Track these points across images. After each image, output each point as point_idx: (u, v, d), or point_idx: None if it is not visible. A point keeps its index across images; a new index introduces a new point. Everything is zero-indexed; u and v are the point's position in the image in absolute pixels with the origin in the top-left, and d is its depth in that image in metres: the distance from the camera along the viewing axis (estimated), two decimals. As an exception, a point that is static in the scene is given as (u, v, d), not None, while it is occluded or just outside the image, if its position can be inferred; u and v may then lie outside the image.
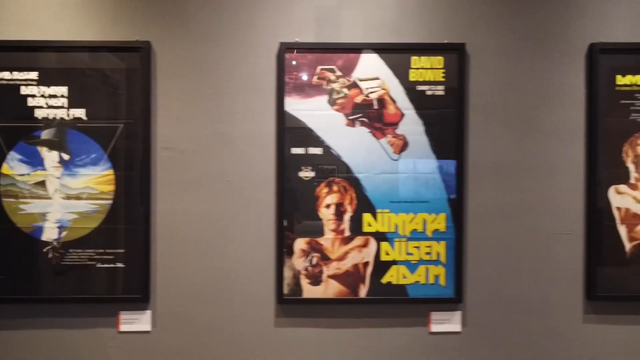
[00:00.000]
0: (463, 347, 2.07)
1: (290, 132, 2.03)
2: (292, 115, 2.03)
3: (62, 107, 2.00)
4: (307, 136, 2.03)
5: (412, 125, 2.04)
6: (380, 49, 2.03)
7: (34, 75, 1.99)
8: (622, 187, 2.07)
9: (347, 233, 2.04)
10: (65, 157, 2.00)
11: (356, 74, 2.03)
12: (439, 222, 2.05)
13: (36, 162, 2.00)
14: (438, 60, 2.04)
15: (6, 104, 1.99)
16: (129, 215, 2.02)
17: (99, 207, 2.01)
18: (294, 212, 2.03)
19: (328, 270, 2.04)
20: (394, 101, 2.04)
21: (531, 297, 2.08)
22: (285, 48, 2.01)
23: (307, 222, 2.03)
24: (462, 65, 2.03)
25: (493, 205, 2.07)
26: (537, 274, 2.08)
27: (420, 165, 2.04)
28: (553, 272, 2.08)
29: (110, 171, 2.01)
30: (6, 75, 1.99)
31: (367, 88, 2.04)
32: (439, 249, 2.05)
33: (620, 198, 2.07)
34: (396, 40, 2.05)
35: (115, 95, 2.01)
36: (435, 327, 2.07)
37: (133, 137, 2.01)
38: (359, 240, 2.05)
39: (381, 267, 2.05)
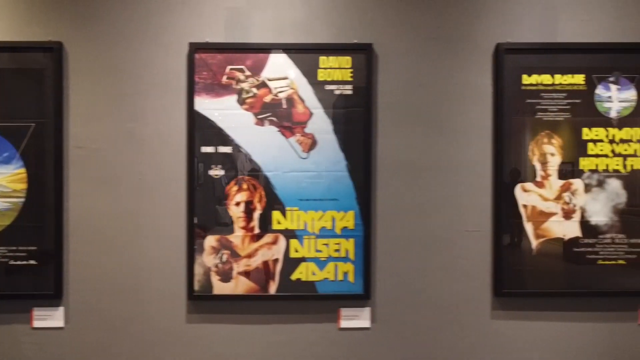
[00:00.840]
0: (372, 342, 2.11)
1: (201, 131, 2.06)
2: (202, 115, 2.06)
3: (-26, 106, 2.03)
4: (217, 135, 2.06)
5: (320, 124, 2.07)
6: (289, 49, 2.06)
7: (-54, 75, 2.02)
8: (529, 185, 2.10)
9: (256, 230, 2.07)
10: (-22, 155, 2.03)
11: (265, 74, 2.06)
12: (348, 219, 2.08)
13: (-51, 160, 2.03)
14: (346, 60, 2.07)
15: None
16: (42, 213, 2.05)
17: (11, 205, 2.04)
18: (204, 209, 2.06)
19: (238, 267, 2.07)
20: (302, 100, 2.07)
21: (440, 294, 2.11)
22: (195, 48, 2.05)
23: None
24: (369, 65, 2.06)
25: (401, 203, 2.10)
26: (445, 270, 2.11)
27: (329, 163, 2.07)
28: (461, 268, 2.11)
29: (23, 170, 2.04)
30: None
31: (276, 87, 2.07)
32: (348, 246, 2.08)
33: (526, 196, 2.10)
34: (305, 41, 2.08)
35: (28, 95, 2.04)
36: (344, 323, 2.10)
37: (46, 136, 2.05)
38: (268, 238, 2.08)
39: (290, 264, 2.08)
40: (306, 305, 2.09)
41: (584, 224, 2.10)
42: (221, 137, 2.06)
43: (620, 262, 2.10)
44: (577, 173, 2.10)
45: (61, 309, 2.07)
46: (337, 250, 2.08)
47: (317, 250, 2.08)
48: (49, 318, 2.07)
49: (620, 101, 2.09)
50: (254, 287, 2.07)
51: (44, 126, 2.04)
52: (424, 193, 2.10)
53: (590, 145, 2.10)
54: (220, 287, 2.07)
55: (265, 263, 2.08)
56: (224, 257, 2.07)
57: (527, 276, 2.10)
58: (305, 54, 2.07)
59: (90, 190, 2.07)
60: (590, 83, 2.09)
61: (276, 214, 2.07)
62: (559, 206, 2.10)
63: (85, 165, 2.07)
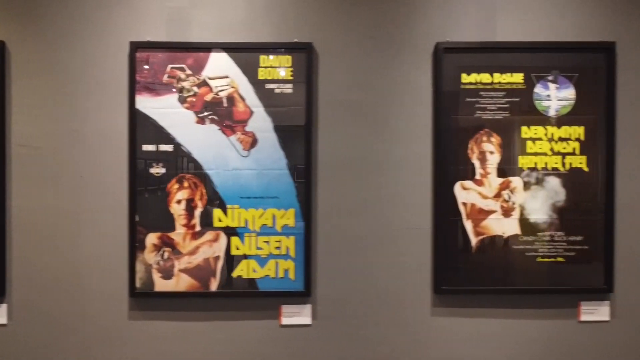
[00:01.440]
0: (313, 339, 2.12)
1: (142, 129, 2.07)
2: (143, 113, 2.07)
3: None
4: (158, 133, 2.08)
5: (261, 123, 2.09)
6: (230, 48, 2.08)
7: None
8: (468, 183, 2.12)
9: (197, 228, 2.09)
10: None
11: (206, 73, 2.08)
12: (288, 217, 2.10)
13: None
14: (286, 59, 2.09)
15: None
16: (-16, 211, 2.06)
17: (-47, 203, 2.06)
18: (145, 207, 2.08)
19: (179, 264, 2.09)
20: (243, 99, 2.08)
21: (380, 291, 2.12)
22: (136, 47, 2.06)
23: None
24: (309, 64, 2.08)
25: (342, 201, 2.12)
26: (386, 268, 2.12)
27: (270, 161, 2.09)
28: (401, 266, 2.13)
29: (-35, 168, 2.06)
30: None
31: (217, 86, 2.08)
32: (289, 243, 2.10)
33: (466, 194, 2.12)
34: (246, 40, 2.09)
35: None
36: (285, 320, 2.12)
37: (-12, 135, 2.06)
38: (209, 235, 2.09)
39: (232, 261, 2.09)
40: (247, 302, 2.11)
41: (523, 221, 2.12)
42: (162, 136, 2.08)
43: (560, 259, 2.12)
44: (516, 171, 2.11)
45: (4, 306, 2.08)
46: (277, 248, 2.10)
47: (258, 248, 2.10)
48: (-9, 315, 2.09)
49: (559, 100, 2.11)
50: (195, 285, 2.09)
51: (-14, 125, 2.06)
52: (364, 191, 2.12)
53: (529, 143, 2.11)
54: (161, 284, 2.08)
55: (207, 260, 2.09)
56: (166, 255, 2.08)
57: (466, 273, 2.11)
58: (245, 53, 2.08)
59: (32, 188, 2.08)
60: (529, 82, 2.11)
61: (217, 212, 2.09)
62: (498, 204, 2.11)
63: (27, 163, 2.08)
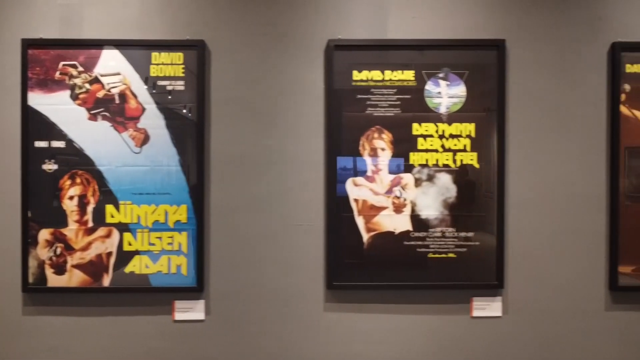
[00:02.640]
0: (206, 335, 2.14)
1: (34, 126, 2.08)
2: (36, 110, 2.08)
3: None
4: (51, 130, 2.09)
5: (153, 119, 2.10)
6: (121, 45, 2.09)
7: None
8: (359, 180, 2.13)
9: (90, 224, 2.10)
10: None
11: (98, 70, 2.09)
12: (180, 213, 2.11)
13: None
14: (178, 56, 2.10)
15: None
16: None
17: None
18: (38, 203, 2.09)
19: (72, 260, 2.10)
20: (135, 96, 2.10)
21: (273, 287, 2.14)
22: (28, 44, 2.07)
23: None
24: (201, 61, 2.09)
25: (235, 197, 2.13)
26: (279, 263, 2.14)
27: (162, 158, 2.10)
28: (294, 262, 2.14)
29: None
30: None
31: (109, 83, 2.10)
32: (181, 239, 2.12)
33: (357, 190, 2.13)
34: (138, 37, 2.11)
35: None
36: (178, 316, 2.13)
37: None
38: (102, 231, 2.11)
39: (124, 257, 2.11)
40: (140, 297, 2.12)
41: (415, 217, 2.13)
42: (54, 132, 2.09)
43: (451, 255, 2.13)
44: (408, 168, 2.13)
45: None
46: (170, 244, 2.11)
47: (151, 244, 2.11)
48: None
49: (449, 97, 2.13)
50: (88, 280, 2.10)
51: None
52: (257, 187, 2.13)
53: (420, 140, 2.13)
54: (54, 280, 2.10)
55: (99, 256, 2.10)
56: (58, 250, 2.09)
57: (358, 269, 2.13)
58: (137, 50, 2.10)
59: None
60: (420, 79, 2.12)
61: (109, 208, 2.10)
62: (389, 200, 2.13)
63: None
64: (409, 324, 2.15)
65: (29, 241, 2.09)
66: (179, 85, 2.10)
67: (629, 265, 2.15)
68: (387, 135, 2.13)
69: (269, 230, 2.13)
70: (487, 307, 2.16)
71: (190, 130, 2.10)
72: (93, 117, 2.10)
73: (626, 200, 2.13)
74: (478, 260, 2.13)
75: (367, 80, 2.12)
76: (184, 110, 2.10)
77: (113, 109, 2.10)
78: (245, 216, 2.13)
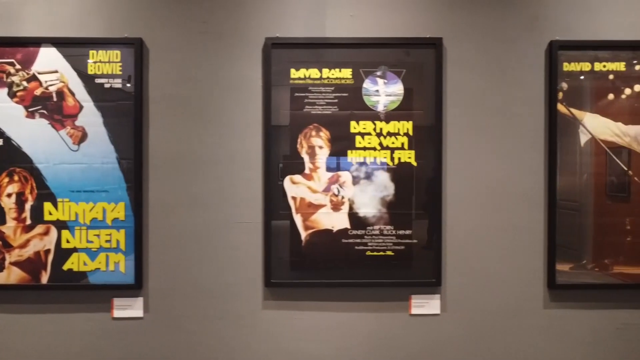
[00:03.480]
0: (145, 331, 2.14)
1: (-28, 123, 2.09)
2: (-27, 107, 2.09)
3: None
4: (-12, 127, 2.10)
5: (91, 117, 2.11)
6: (59, 42, 2.10)
7: None
8: (297, 177, 2.14)
9: (28, 221, 2.11)
10: None
11: (35, 67, 2.10)
12: (118, 210, 2.12)
13: None
14: (115, 54, 2.11)
15: None
16: None
17: None
18: (-24, 201, 2.10)
19: (10, 257, 2.10)
20: (72, 94, 2.10)
21: (212, 284, 2.14)
22: (-35, 42, 2.08)
23: None
24: (139, 59, 2.10)
25: (174, 195, 2.13)
26: (218, 261, 2.14)
27: (100, 155, 2.11)
28: (233, 259, 2.14)
29: None
30: None
31: (47, 81, 2.10)
32: (119, 237, 2.12)
33: (295, 188, 2.14)
34: (76, 35, 2.11)
35: None
36: (117, 313, 2.14)
37: None
38: (40, 229, 2.11)
39: (62, 254, 2.11)
40: (79, 295, 2.13)
41: (352, 215, 2.14)
42: (-8, 130, 2.10)
43: (389, 253, 2.14)
44: (346, 165, 2.13)
45: None
46: (108, 241, 2.12)
47: (89, 241, 2.12)
48: None
49: (387, 95, 2.13)
50: (26, 277, 2.11)
51: None
52: (196, 185, 2.14)
53: (358, 138, 2.13)
54: (-8, 277, 2.10)
55: (37, 253, 2.11)
56: (-4, 248, 2.10)
57: (297, 267, 2.13)
58: (75, 48, 2.10)
59: None
60: (358, 77, 2.13)
61: (47, 205, 2.10)
62: (327, 198, 2.13)
63: None
64: (347, 321, 2.16)
65: (-33, 238, 2.09)
66: (117, 83, 2.11)
67: (567, 263, 2.16)
68: (324, 133, 2.13)
69: (208, 228, 2.14)
70: (425, 305, 2.16)
71: (127, 127, 2.11)
72: (31, 115, 2.10)
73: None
74: (416, 258, 2.14)
75: (304, 79, 2.13)
76: (122, 108, 2.10)
77: (51, 107, 2.10)
78: (184, 214, 2.14)
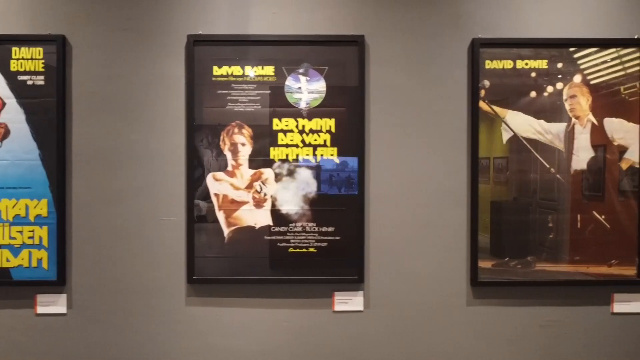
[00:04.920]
0: (69, 328, 2.15)
1: None
2: None
3: None
4: None
5: (13, 114, 2.11)
6: (-19, 40, 2.10)
7: None
8: (220, 174, 2.14)
9: (-49, 218, 2.11)
10: None
11: (-42, 64, 2.11)
12: (41, 207, 2.12)
13: None
14: (38, 51, 2.11)
15: None
16: None
17: None
18: None
19: None
20: (-5, 90, 2.11)
21: (136, 281, 2.15)
22: None
23: None
24: (62, 56, 2.10)
25: (98, 191, 2.14)
26: (141, 258, 2.15)
27: (22, 152, 2.11)
28: (157, 256, 2.15)
29: None
30: None
31: (-31, 78, 2.11)
32: (42, 233, 2.13)
33: (218, 185, 2.14)
34: (-1, 32, 2.12)
35: None
36: (41, 309, 2.15)
37: None
38: (-37, 225, 2.12)
39: (-15, 250, 2.12)
40: (2, 291, 2.14)
41: (275, 212, 2.14)
42: None
43: (312, 250, 2.15)
44: (268, 163, 2.14)
45: None
46: (30, 238, 2.12)
47: (12, 238, 2.12)
48: None
49: (309, 92, 2.14)
50: (-51, 274, 2.12)
51: None
52: (120, 182, 2.14)
53: (280, 135, 2.14)
54: None
55: (-40, 250, 2.12)
56: None
57: (220, 263, 2.14)
58: (-3, 45, 2.11)
59: None
60: (281, 74, 2.14)
61: (-30, 202, 2.11)
62: (250, 195, 2.14)
63: None
64: (270, 318, 2.16)
65: None
66: (39, 80, 2.11)
67: (490, 260, 2.16)
68: (247, 131, 2.14)
69: (131, 225, 2.15)
70: (348, 302, 2.17)
71: (51, 124, 2.11)
72: (-47, 112, 2.11)
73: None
74: (339, 254, 2.15)
75: (227, 76, 2.13)
76: (45, 105, 2.10)
77: (-27, 104, 2.11)
78: (108, 210, 2.14)
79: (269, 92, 2.14)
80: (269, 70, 2.13)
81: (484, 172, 2.15)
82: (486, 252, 2.15)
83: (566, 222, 2.16)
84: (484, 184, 2.15)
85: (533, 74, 2.15)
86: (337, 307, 2.17)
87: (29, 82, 2.11)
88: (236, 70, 2.13)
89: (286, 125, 2.14)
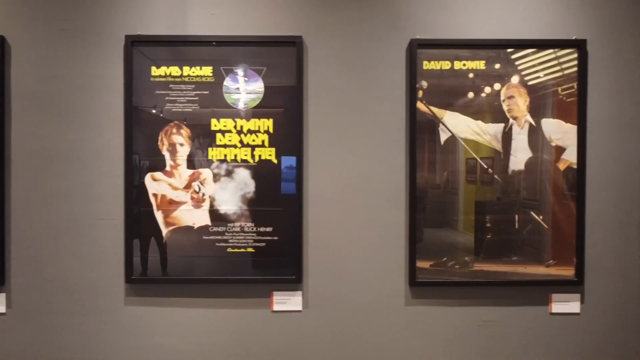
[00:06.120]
0: (8, 327, 2.15)
1: None
2: None
3: None
4: None
5: (-49, 114, 2.12)
6: None
7: None
8: (158, 175, 2.15)
9: None
10: None
11: None
12: (-20, 207, 2.13)
13: None
14: (-24, 51, 2.12)
15: None
16: None
17: None
18: None
19: None
20: None
21: (74, 281, 2.16)
22: None
23: None
24: (0, 56, 2.11)
25: (36, 191, 2.15)
26: (79, 258, 2.15)
27: (-39, 152, 2.12)
28: (96, 256, 2.16)
29: None
30: None
31: None
32: (-20, 233, 2.13)
33: (156, 185, 2.15)
34: (-62, 32, 2.12)
35: None
36: (-22, 309, 2.15)
37: None
38: None
39: None
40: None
41: (213, 212, 2.15)
42: None
43: (250, 250, 2.15)
44: (206, 163, 2.15)
45: None
46: (-31, 237, 2.13)
47: (-51, 237, 2.13)
48: None
49: (247, 93, 2.14)
50: None
51: None
52: (58, 182, 2.15)
53: (219, 135, 2.15)
54: None
55: None
56: None
57: (158, 263, 2.15)
58: None
59: None
60: (219, 75, 2.14)
61: None
62: (188, 195, 2.15)
63: None
64: (209, 317, 2.17)
65: None
66: (-27, 81, 2.12)
67: (428, 260, 2.17)
68: (185, 131, 2.14)
69: (70, 225, 2.15)
70: (287, 302, 2.18)
71: (-12, 124, 2.12)
72: None
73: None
74: (277, 254, 2.15)
75: (165, 76, 2.14)
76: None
77: None
78: (46, 210, 2.15)
79: (207, 92, 2.14)
80: (207, 70, 2.14)
81: (420, 169, 2.16)
82: (423, 252, 2.16)
83: (504, 222, 2.17)
84: (420, 183, 2.16)
85: (471, 75, 2.15)
86: (275, 307, 2.18)
87: (-34, 82, 2.12)
88: (174, 70, 2.14)
89: (224, 126, 2.15)
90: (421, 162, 2.16)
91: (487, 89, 2.16)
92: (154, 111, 2.14)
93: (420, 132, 2.15)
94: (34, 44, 2.14)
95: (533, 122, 2.16)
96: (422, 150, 2.15)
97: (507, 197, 2.16)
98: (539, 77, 2.16)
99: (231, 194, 2.15)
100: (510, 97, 2.16)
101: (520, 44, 2.16)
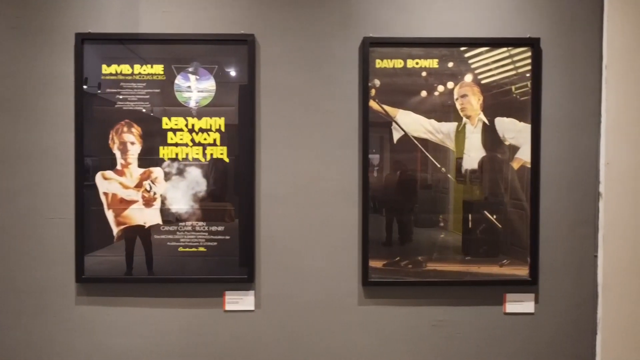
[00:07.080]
0: (-43, 327, 2.14)
1: None
2: None
3: None
4: None
5: None
6: None
7: None
8: (109, 173, 2.13)
9: None
10: None
11: None
12: None
13: None
14: None
15: None
16: None
17: None
18: None
19: None
20: None
21: (25, 280, 2.14)
22: None
23: None
24: (-51, 54, 2.10)
25: (-14, 190, 2.14)
26: (31, 257, 2.14)
27: None
28: (46, 255, 2.14)
29: None
30: None
31: None
32: None
33: (107, 184, 2.14)
34: None
35: None
36: None
37: None
38: None
39: None
40: None
41: (165, 211, 2.14)
42: None
43: (201, 249, 2.14)
44: (158, 161, 2.13)
45: None
46: None
47: None
48: None
49: (199, 91, 2.13)
50: None
51: None
52: (8, 180, 2.13)
53: (170, 134, 2.13)
54: None
55: None
56: None
57: (109, 262, 2.13)
58: None
59: None
60: (170, 73, 2.13)
61: None
62: (139, 194, 2.13)
63: None
64: (161, 317, 2.16)
65: None
66: None
67: (380, 260, 2.16)
68: (136, 129, 2.13)
69: (21, 223, 2.14)
70: (239, 301, 2.17)
71: (-62, 123, 2.10)
72: None
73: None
74: (229, 254, 2.14)
75: (116, 74, 2.13)
76: None
77: None
78: (-4, 209, 2.14)
79: (158, 90, 2.13)
80: (159, 69, 2.13)
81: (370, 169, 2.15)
82: (374, 250, 2.15)
83: (457, 221, 2.16)
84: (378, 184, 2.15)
85: (424, 74, 2.14)
86: (227, 307, 2.16)
87: None
88: (125, 69, 2.12)
89: (176, 124, 2.13)
90: (375, 161, 2.14)
91: (440, 88, 2.15)
92: (104, 110, 2.12)
93: (374, 131, 2.14)
94: (-16, 42, 2.13)
95: (487, 121, 2.15)
96: (376, 149, 2.14)
97: (460, 196, 2.15)
98: (492, 76, 2.15)
99: (183, 192, 2.14)
100: (463, 96, 2.15)
101: (474, 43, 2.15)
